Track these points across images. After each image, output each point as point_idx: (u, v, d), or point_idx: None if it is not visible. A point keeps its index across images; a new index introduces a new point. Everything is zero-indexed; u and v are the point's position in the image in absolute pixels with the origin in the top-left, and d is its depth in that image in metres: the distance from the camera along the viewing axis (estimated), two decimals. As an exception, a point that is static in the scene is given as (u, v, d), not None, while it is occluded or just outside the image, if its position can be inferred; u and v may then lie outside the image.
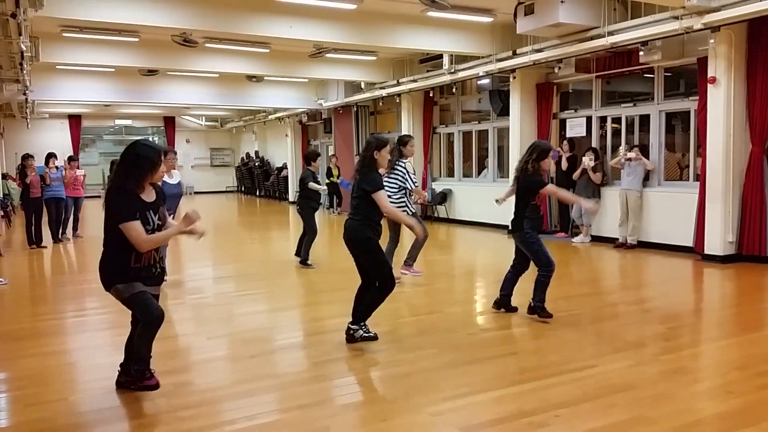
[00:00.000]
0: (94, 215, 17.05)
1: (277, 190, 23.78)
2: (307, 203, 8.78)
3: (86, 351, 5.12)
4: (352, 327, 4.94)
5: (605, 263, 9.16)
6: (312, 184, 8.59)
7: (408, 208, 7.17)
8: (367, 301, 4.92)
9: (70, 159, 12.44)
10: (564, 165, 11.06)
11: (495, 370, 4.38)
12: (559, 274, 8.65)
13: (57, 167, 11.54)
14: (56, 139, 22.84)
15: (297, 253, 8.86)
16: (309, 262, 8.55)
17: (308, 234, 8.66)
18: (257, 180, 25.54)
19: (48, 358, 4.84)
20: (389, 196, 6.39)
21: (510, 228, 5.95)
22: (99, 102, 18.36)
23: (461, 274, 7.87)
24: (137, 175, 3.75)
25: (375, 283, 4.90)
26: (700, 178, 8.88)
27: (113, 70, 14.76)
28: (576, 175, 10.69)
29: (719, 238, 8.47)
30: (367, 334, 4.92)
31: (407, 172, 7.16)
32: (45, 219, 11.35)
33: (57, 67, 13.87)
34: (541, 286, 5.61)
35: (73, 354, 5.05)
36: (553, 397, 3.80)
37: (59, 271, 9.50)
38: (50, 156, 11.46)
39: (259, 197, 25.26)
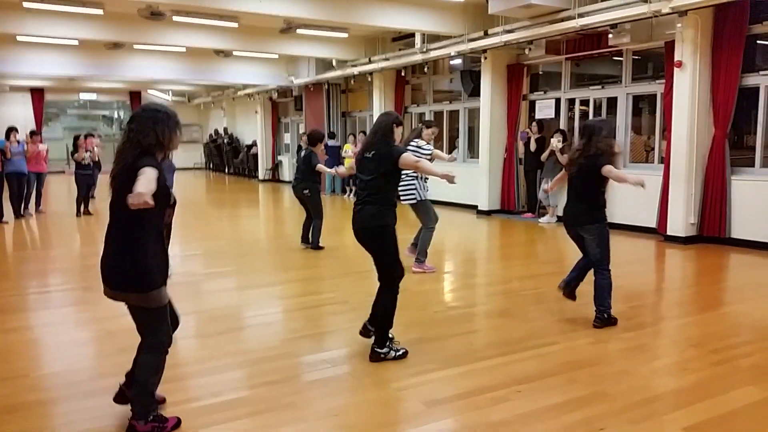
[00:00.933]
0: (57, 191, 16.74)
1: (246, 167, 23.54)
2: (316, 187, 8.43)
3: (49, 327, 5.04)
4: (380, 351, 4.11)
5: (570, 243, 9.27)
6: (320, 167, 8.28)
7: (418, 192, 6.92)
8: (381, 311, 4.17)
9: (32, 133, 12.12)
10: (533, 146, 11.17)
11: (460, 346, 4.44)
12: (526, 253, 8.83)
13: (18, 141, 11.23)
14: (18, 113, 22.16)
15: (304, 240, 8.47)
16: (321, 244, 8.33)
17: (318, 219, 8.34)
18: (226, 157, 25.20)
19: (10, 334, 4.76)
20: (402, 179, 5.96)
21: (573, 221, 5.01)
22: (62, 76, 17.85)
23: (430, 253, 7.90)
24: (173, 140, 3.13)
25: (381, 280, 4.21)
26: (665, 160, 9.06)
27: (77, 43, 14.34)
28: (544, 156, 10.81)
29: (681, 220, 8.68)
30: (397, 353, 4.16)
31: (420, 147, 6.91)
32: (6, 194, 11.07)
33: (18, 38, 13.42)
34: (607, 290, 4.88)
35: (35, 330, 4.97)
36: (516, 372, 3.89)
37: (21, 247, 9.30)
38: (11, 130, 11.15)
39: (228, 175, 24.97)
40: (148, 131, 2.98)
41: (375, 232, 4.12)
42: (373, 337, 4.19)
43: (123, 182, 2.84)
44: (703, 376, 3.91)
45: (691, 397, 3.59)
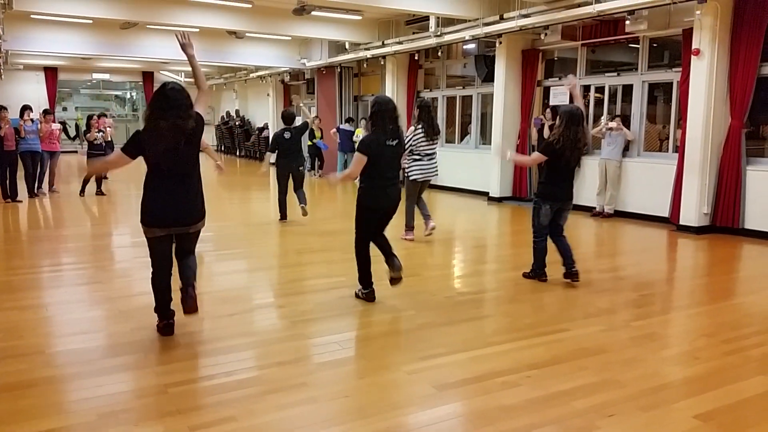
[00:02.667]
0: (70, 170, 16.83)
1: (258, 150, 23.54)
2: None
3: (63, 306, 5.09)
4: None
5: (582, 231, 9.27)
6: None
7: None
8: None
9: (45, 112, 12.17)
10: (546, 133, 11.05)
11: (470, 331, 4.46)
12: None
13: (32, 120, 11.29)
14: (31, 92, 22.25)
15: (285, 215, 9.16)
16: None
17: (302, 187, 9.11)
18: (238, 140, 25.21)
19: (25, 312, 4.82)
20: (416, 159, 7.61)
21: (567, 197, 5.81)
22: (76, 54, 17.87)
23: (441, 240, 7.91)
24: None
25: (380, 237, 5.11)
26: (679, 149, 8.98)
27: (91, 21, 14.33)
28: (557, 143, 10.72)
29: (694, 210, 8.61)
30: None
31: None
32: (20, 173, 11.14)
33: (32, 16, 13.41)
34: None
35: (49, 308, 5.03)
36: (526, 358, 3.89)
37: (35, 225, 9.38)
38: (25, 108, 11.19)
39: (239, 157, 25.00)
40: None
41: (398, 205, 5.14)
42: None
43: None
44: (714, 365, 3.90)
45: (701, 385, 3.58)
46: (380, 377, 3.66)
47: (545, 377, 3.62)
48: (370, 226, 5.03)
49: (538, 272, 5.85)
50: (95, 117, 12.49)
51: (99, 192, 12.06)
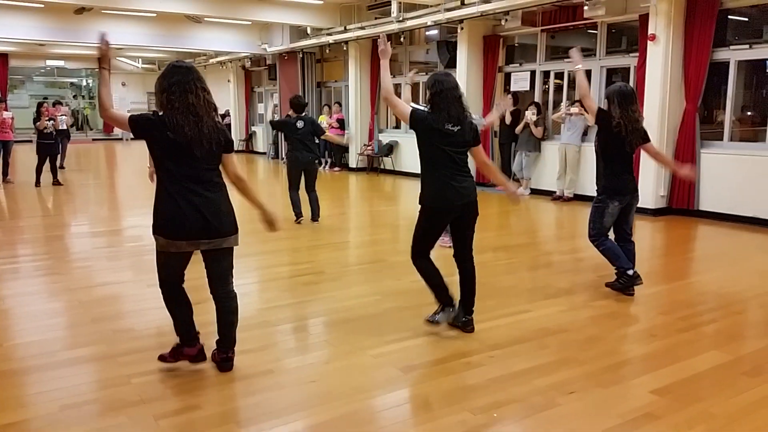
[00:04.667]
0: (24, 160, 16.34)
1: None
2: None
3: (20, 298, 4.97)
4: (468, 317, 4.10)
5: (543, 215, 9.44)
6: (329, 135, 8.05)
7: None
8: (473, 280, 4.18)
9: (-3, 100, 11.78)
10: (508, 119, 11.20)
11: (435, 315, 4.50)
12: (499, 224, 8.93)
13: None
14: (-20, 79, 21.47)
15: (315, 216, 8.08)
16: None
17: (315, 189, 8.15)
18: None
19: (-21, 305, 4.69)
20: None
21: (634, 188, 5.05)
22: (27, 40, 17.28)
23: (406, 225, 7.95)
24: None
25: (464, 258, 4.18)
26: (637, 133, 9.17)
27: (42, 6, 13.87)
28: (518, 129, 10.86)
29: (652, 192, 8.84)
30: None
31: None
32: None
33: (-21, 0, 12.95)
34: None
35: (6, 301, 4.90)
36: (489, 339, 3.97)
37: (-12, 217, 9.09)
38: (-25, 97, 10.82)
39: (200, 145, 24.61)
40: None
41: (476, 204, 4.08)
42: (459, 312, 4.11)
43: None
44: (670, 342, 4.03)
45: (658, 361, 3.71)
46: (346, 361, 3.68)
47: (508, 357, 3.70)
48: (430, 234, 4.06)
49: (624, 276, 4.89)
50: (45, 104, 12.11)
51: (56, 182, 11.75)
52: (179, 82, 3.16)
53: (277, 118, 17.87)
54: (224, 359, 3.46)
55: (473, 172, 4.25)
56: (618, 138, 4.74)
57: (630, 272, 4.89)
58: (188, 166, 3.20)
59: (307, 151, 7.90)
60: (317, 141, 8.17)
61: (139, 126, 3.21)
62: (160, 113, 3.19)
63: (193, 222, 3.21)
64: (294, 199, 7.99)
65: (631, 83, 9.62)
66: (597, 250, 5.00)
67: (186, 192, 3.21)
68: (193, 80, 3.19)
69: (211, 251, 3.36)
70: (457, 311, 4.08)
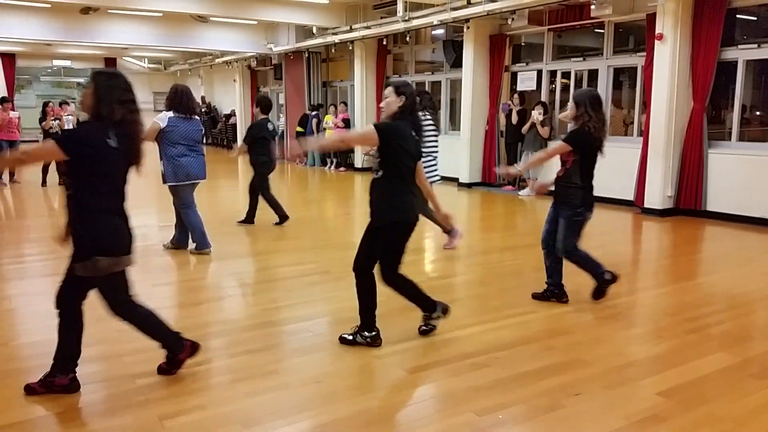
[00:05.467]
0: (31, 160, 16.42)
1: (225, 138, 23.24)
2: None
3: (26, 297, 4.98)
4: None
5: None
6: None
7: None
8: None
9: (4, 100, 11.81)
10: (514, 119, 11.17)
11: (440, 315, 4.49)
12: (505, 225, 8.91)
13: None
14: (-13, 79, 21.58)
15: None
16: None
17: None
18: (204, 127, 24.85)
19: (-14, 304, 4.71)
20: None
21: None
22: (34, 40, 17.35)
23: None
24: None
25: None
26: (644, 134, 9.13)
27: (49, 6, 13.92)
28: (525, 128, 10.83)
29: (659, 193, 8.79)
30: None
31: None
32: (-22, 162, 10.82)
33: (-14, 0, 13.01)
34: None
35: (12, 300, 4.92)
36: (495, 340, 3.95)
37: (-5, 216, 9.14)
38: (-19, 96, 10.86)
39: (206, 145, 24.67)
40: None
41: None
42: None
43: None
44: (677, 343, 4.00)
45: (664, 363, 3.68)
46: (351, 362, 3.67)
47: (513, 358, 3.68)
48: (402, 251, 3.91)
49: (601, 277, 4.75)
50: (51, 104, 12.14)
51: (62, 182, 11.79)
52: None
53: (282, 119, 17.92)
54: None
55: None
56: (594, 146, 4.55)
57: (606, 275, 4.73)
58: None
59: (274, 156, 7.81)
60: None
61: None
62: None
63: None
64: (272, 201, 7.91)
65: (638, 83, 9.59)
66: (573, 263, 4.74)
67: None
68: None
69: None
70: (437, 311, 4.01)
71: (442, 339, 3.99)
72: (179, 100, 5.97)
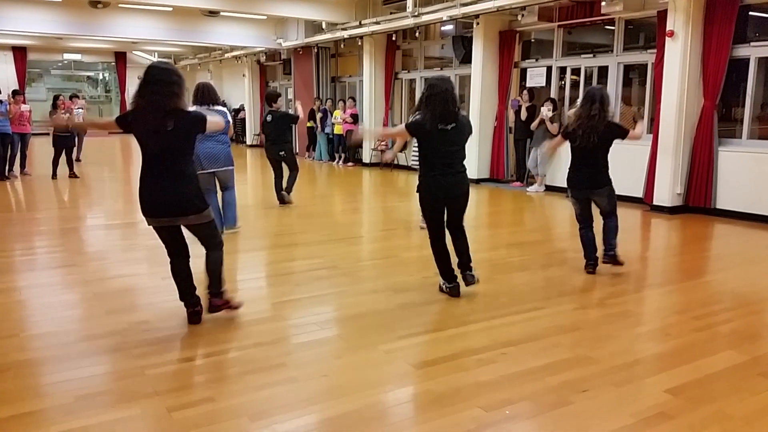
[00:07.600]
0: (41, 152, 16.52)
1: (234, 132, 23.29)
2: (290, 146, 9.15)
3: (37, 289, 5.03)
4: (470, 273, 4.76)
5: (557, 212, 9.37)
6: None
7: None
8: (467, 245, 4.90)
9: (15, 93, 11.89)
10: (523, 115, 11.14)
11: (447, 310, 4.50)
12: (513, 221, 8.89)
13: (1, 101, 11.03)
14: (-1, 73, 21.75)
15: (283, 199, 8.96)
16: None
17: (296, 171, 9.03)
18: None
19: (-3, 295, 4.75)
20: None
21: (590, 184, 5.40)
22: (45, 34, 17.44)
23: (419, 221, 7.95)
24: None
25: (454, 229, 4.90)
26: (654, 131, 9.09)
27: (60, 0, 13.99)
28: (534, 125, 10.80)
29: (668, 190, 8.75)
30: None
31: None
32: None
33: (-2, -6, 13.08)
34: (616, 229, 5.59)
35: (23, 292, 4.96)
36: (502, 336, 3.95)
37: (6, 209, 9.20)
38: (-7, 90, 10.95)
39: (215, 139, 24.71)
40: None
41: (465, 196, 4.89)
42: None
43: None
44: (685, 341, 3.99)
45: (672, 361, 3.67)
46: (358, 357, 3.68)
47: (520, 354, 3.68)
48: (433, 219, 4.78)
49: (586, 262, 5.55)
50: (61, 97, 12.21)
51: (72, 175, 11.87)
52: (138, 86, 3.80)
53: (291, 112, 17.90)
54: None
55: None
56: (572, 134, 5.29)
57: (590, 269, 5.49)
58: (148, 154, 3.91)
59: (274, 143, 8.85)
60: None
61: (119, 120, 3.96)
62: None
63: (155, 204, 3.98)
64: (275, 185, 8.99)
65: (649, 80, 9.53)
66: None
67: (150, 175, 3.96)
68: (143, 83, 3.76)
69: (185, 226, 4.12)
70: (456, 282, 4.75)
71: (450, 335, 4.00)
72: (201, 94, 6.46)
